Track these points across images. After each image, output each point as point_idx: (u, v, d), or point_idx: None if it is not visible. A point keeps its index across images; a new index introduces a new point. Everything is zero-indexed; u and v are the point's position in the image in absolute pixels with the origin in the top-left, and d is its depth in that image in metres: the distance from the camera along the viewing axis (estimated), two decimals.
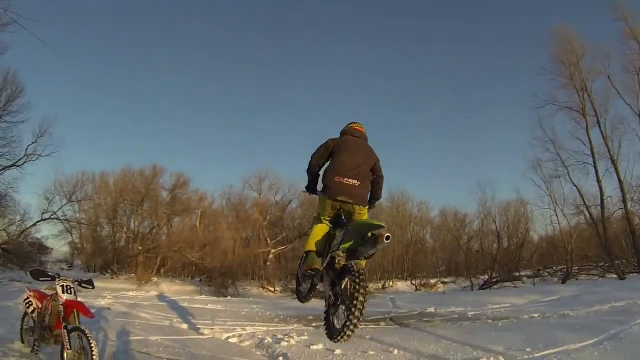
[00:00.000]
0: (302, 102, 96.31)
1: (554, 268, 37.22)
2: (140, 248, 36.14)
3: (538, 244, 43.40)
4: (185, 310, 15.93)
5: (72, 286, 6.87)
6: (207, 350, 9.13)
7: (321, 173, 6.24)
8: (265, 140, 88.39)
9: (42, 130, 33.22)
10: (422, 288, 36.76)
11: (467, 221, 48.70)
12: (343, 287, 5.09)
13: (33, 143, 32.69)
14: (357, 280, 4.73)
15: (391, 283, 38.21)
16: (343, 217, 5.94)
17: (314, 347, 9.22)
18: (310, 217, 40.99)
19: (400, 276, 41.73)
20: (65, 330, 6.37)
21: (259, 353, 8.87)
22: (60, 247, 43.32)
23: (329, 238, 5.86)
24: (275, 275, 37.31)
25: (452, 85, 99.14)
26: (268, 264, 37.85)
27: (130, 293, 23.43)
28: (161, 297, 21.49)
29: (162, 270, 37.07)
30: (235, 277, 35.87)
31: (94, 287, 7.65)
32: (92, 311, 7.21)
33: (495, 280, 34.35)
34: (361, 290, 4.69)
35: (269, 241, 38.98)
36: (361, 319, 4.72)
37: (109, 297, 19.31)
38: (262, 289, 35.06)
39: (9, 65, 37.99)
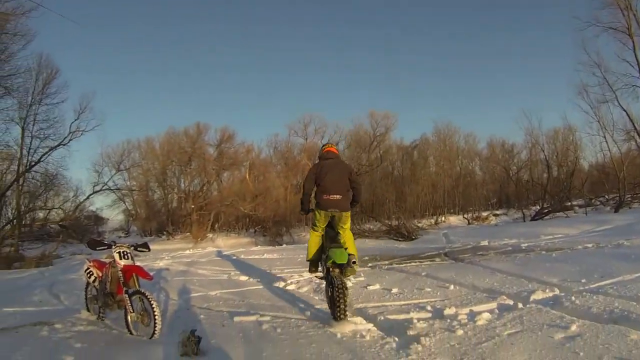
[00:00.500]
0: (341, 35, 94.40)
1: (606, 196, 36.03)
2: (193, 206, 36.82)
3: (588, 172, 41.81)
4: (241, 262, 16.29)
5: (128, 251, 7.10)
6: (265, 299, 9.35)
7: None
8: (306, 84, 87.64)
9: (82, 106, 34.03)
10: (474, 221, 36.29)
11: (515, 151, 47.67)
12: (332, 290, 6.91)
13: (75, 120, 33.53)
14: (338, 290, 6.71)
15: (443, 218, 37.95)
16: (332, 223, 8.04)
17: (371, 287, 9.35)
18: (359, 157, 41.09)
19: (452, 210, 41.46)
20: (126, 295, 6.63)
21: (317, 297, 9.00)
22: (115, 216, 44.63)
23: (322, 245, 8.02)
24: None
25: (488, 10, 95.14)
26: None
27: (187, 251, 24.12)
28: (217, 252, 22.01)
29: (216, 226, 37.82)
30: (289, 224, 36.25)
31: (149, 250, 7.88)
32: (151, 273, 7.45)
33: (546, 210, 33.40)
34: (341, 296, 6.66)
35: None
36: (346, 309, 6.72)
37: (166, 258, 19.94)
38: None
39: (41, 48, 38.61)
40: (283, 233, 34.53)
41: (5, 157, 30.48)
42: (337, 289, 6.72)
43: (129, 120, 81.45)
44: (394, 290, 8.77)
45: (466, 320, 6.27)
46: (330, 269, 7.22)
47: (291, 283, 11.14)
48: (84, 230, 35.07)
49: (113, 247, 7.11)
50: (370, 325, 6.53)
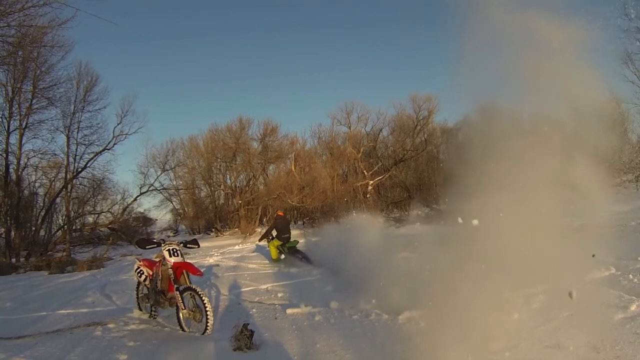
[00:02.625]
0: (378, 17, 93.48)
1: None
2: (240, 202, 37.06)
3: (638, 144, 40.33)
4: (291, 254, 16.34)
5: (177, 248, 7.16)
6: (317, 290, 9.36)
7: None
8: (346, 71, 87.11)
9: (124, 110, 34.27)
10: None
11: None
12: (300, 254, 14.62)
13: (118, 124, 33.83)
14: (301, 253, 14.97)
15: None
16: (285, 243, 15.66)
17: (424, 272, 9.26)
18: (403, 142, 40.77)
19: None
20: (178, 292, 6.70)
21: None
22: (163, 216, 45.25)
23: (279, 251, 15.56)
24: (377, 206, 37.13)
25: None
26: (368, 196, 37.77)
27: (236, 247, 24.41)
28: (266, 245, 22.18)
29: (264, 220, 37.95)
30: (337, 214, 36.13)
31: (199, 246, 7.92)
32: (202, 270, 7.49)
33: None
34: (299, 255, 14.97)
35: (366, 173, 38.92)
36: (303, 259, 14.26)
37: (216, 254, 20.16)
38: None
39: (80, 56, 39.57)
40: (331, 223, 34.37)
41: (52, 165, 31.46)
42: (300, 253, 15.25)
43: (172, 120, 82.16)
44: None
45: (522, 303, 6.11)
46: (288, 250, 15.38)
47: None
48: (133, 231, 35.71)
49: (162, 245, 7.19)
50: (425, 311, 6.41)
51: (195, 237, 36.30)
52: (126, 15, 76.06)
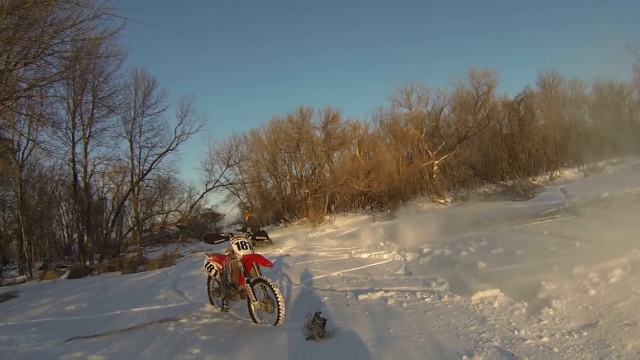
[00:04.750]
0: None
1: None
2: (307, 191, 37.31)
3: None
4: (360, 239, 16.30)
5: (246, 241, 7.18)
6: (389, 274, 9.27)
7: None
8: (403, 52, 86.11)
9: (184, 110, 35.68)
10: (590, 173, 33.99)
11: (625, 92, 44.01)
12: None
13: (179, 125, 35.19)
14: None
15: (558, 173, 35.79)
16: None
17: (494, 251, 9.09)
18: (465, 120, 40.09)
19: (565, 164, 39.08)
20: (248, 284, 6.72)
21: (439, 271, 8.77)
22: (231, 211, 46.25)
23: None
24: (443, 185, 36.71)
25: None
26: (434, 176, 37.35)
27: (307, 236, 24.45)
28: (336, 232, 22.20)
29: (332, 207, 38.05)
30: (405, 196, 35.89)
31: (267, 238, 7.97)
32: (272, 261, 7.49)
33: None
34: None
35: (430, 153, 38.27)
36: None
37: (285, 244, 20.31)
38: (433, 203, 34.77)
39: (136, 62, 40.97)
40: (399, 206, 34.18)
41: (118, 170, 32.94)
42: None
43: (233, 116, 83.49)
44: (518, 253, 8.45)
45: (597, 279, 5.83)
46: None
47: (412, 254, 11.06)
48: (202, 227, 36.63)
49: (231, 238, 7.22)
50: (497, 291, 6.30)
51: (264, 229, 36.98)
52: (181, 18, 77.56)
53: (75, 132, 27.78)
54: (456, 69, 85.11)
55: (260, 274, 6.87)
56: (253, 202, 44.79)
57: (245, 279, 6.80)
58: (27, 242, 28.09)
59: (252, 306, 6.71)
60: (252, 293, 6.66)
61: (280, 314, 6.28)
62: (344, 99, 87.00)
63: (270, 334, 6.07)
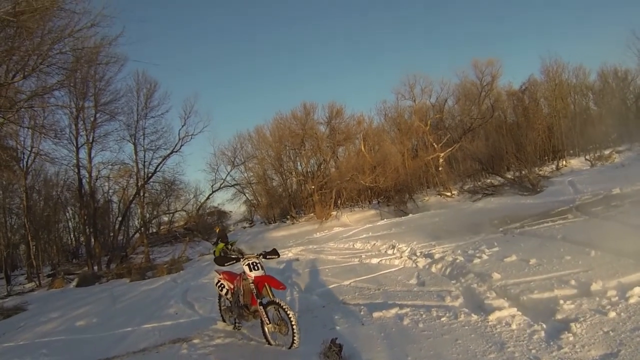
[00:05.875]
0: None
1: None
2: (313, 187, 37.44)
3: None
4: (369, 241, 16.21)
5: (257, 261, 7.10)
6: (401, 285, 9.16)
7: None
8: (406, 44, 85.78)
9: (187, 112, 36.33)
10: (596, 162, 33.78)
11: (629, 78, 43.64)
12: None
13: (182, 126, 35.83)
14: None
15: (564, 162, 35.70)
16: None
17: (508, 260, 8.93)
18: (469, 111, 40.02)
19: (571, 152, 38.93)
20: (261, 306, 6.66)
21: (452, 281, 8.68)
22: (237, 209, 46.46)
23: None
24: (449, 178, 36.87)
25: None
26: (440, 169, 37.46)
27: (314, 235, 24.46)
28: (343, 232, 22.16)
29: (339, 202, 38.12)
30: (411, 190, 35.88)
31: (279, 256, 7.83)
32: (281, 266, 7.36)
33: None
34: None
35: (436, 146, 38.49)
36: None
37: (294, 245, 20.28)
38: (439, 196, 34.82)
39: (137, 65, 41.39)
40: (406, 200, 34.19)
41: (123, 173, 33.51)
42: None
43: (236, 115, 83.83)
44: (532, 262, 8.32)
45: (617, 298, 5.72)
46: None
47: (423, 260, 10.99)
48: (209, 227, 36.78)
49: (241, 259, 7.15)
50: (514, 310, 6.17)
51: (272, 226, 37.27)
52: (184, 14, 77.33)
53: (79, 138, 28.10)
54: (459, 59, 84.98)
55: (273, 295, 6.79)
56: (259, 199, 44.93)
57: (258, 301, 6.74)
58: (34, 247, 28.39)
59: (266, 328, 6.65)
60: (265, 315, 6.60)
61: (295, 338, 6.20)
62: (347, 93, 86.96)
63: (286, 358, 6.02)
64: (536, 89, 42.38)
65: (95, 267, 26.46)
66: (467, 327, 5.86)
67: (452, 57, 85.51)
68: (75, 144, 27.82)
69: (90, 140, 28.84)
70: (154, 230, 37.24)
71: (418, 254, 11.93)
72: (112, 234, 33.48)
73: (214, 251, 23.62)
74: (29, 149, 26.43)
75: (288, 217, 39.45)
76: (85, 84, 26.50)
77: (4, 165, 17.09)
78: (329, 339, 5.54)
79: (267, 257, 7.45)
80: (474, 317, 6.14)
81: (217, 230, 25.38)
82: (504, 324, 5.70)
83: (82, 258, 32.95)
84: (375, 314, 7.04)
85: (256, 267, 6.97)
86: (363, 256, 13.37)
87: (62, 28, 13.31)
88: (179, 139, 34.88)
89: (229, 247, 23.39)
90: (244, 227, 44.83)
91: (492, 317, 5.96)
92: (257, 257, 7.19)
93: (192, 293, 12.52)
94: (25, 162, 27.45)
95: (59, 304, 15.15)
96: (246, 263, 7.01)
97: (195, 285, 14.07)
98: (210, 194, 40.19)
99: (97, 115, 28.69)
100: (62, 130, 24.01)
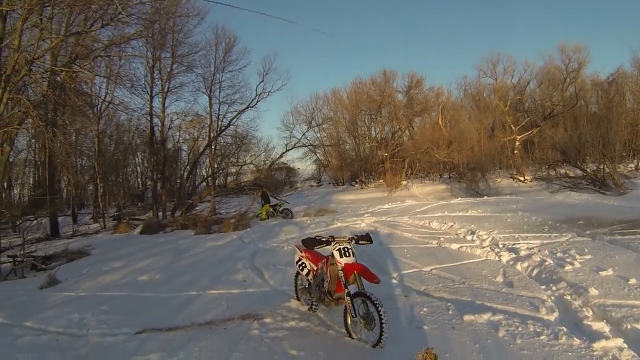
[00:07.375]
0: None
1: None
2: (386, 154, 37.07)
3: None
4: (446, 222, 15.63)
5: (349, 247, 6.50)
6: (488, 281, 8.46)
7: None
8: (491, 21, 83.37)
9: (266, 68, 36.66)
10: None
11: None
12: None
13: (260, 82, 36.17)
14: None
15: None
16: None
17: (603, 273, 8.15)
18: (551, 96, 38.68)
19: None
20: (348, 297, 6.14)
21: (543, 287, 8.00)
22: (306, 167, 46.79)
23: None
24: (524, 162, 35.90)
25: None
26: (515, 152, 36.45)
27: (386, 205, 24.00)
28: (416, 206, 21.62)
29: (409, 172, 37.56)
30: (484, 169, 34.94)
31: (372, 242, 7.24)
32: (379, 277, 6.81)
33: None
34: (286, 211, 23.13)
35: (513, 128, 37.48)
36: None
37: (366, 214, 19.88)
38: (512, 179, 33.84)
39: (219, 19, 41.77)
40: (479, 179, 33.34)
41: (195, 124, 34.14)
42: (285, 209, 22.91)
43: (315, 74, 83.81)
44: (632, 281, 7.56)
45: None
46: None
47: (507, 255, 10.45)
48: (277, 183, 37.24)
49: (332, 243, 6.59)
50: (620, 341, 5.41)
51: (340, 188, 37.29)
52: None
53: (154, 87, 28.61)
54: (546, 42, 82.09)
55: (363, 286, 6.27)
56: (330, 160, 44.98)
57: (346, 291, 6.22)
58: (102, 189, 29.11)
59: (349, 319, 6.15)
60: (351, 307, 6.09)
61: (382, 336, 5.62)
62: (427, 65, 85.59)
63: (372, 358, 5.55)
64: (624, 81, 40.50)
65: (160, 214, 27.12)
66: (570, 354, 5.18)
67: (539, 39, 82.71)
68: (149, 93, 28.27)
69: (165, 90, 29.28)
70: (222, 183, 37.80)
71: (501, 245, 11.31)
72: (179, 182, 34.46)
73: (260, 212, 24.20)
74: (103, 96, 27.51)
75: (357, 180, 39.36)
76: (163, 35, 26.82)
77: (78, 111, 17.21)
78: (423, 349, 5.01)
79: (360, 242, 6.89)
80: (577, 341, 5.44)
81: (260, 194, 25.97)
82: (610, 357, 5.04)
83: (148, 202, 34.01)
84: (466, 317, 6.44)
85: (347, 254, 6.39)
86: (442, 239, 12.76)
87: None
88: (256, 95, 35.12)
89: (276, 207, 24.24)
90: (312, 186, 45.20)
91: (597, 346, 5.26)
92: (349, 242, 6.59)
93: (260, 257, 12.20)
94: (99, 108, 28.54)
95: (122, 252, 15.22)
96: (337, 248, 6.42)
97: (264, 248, 13.74)
98: (284, 152, 40.54)
99: (174, 66, 29.03)
100: (137, 80, 24.28)
